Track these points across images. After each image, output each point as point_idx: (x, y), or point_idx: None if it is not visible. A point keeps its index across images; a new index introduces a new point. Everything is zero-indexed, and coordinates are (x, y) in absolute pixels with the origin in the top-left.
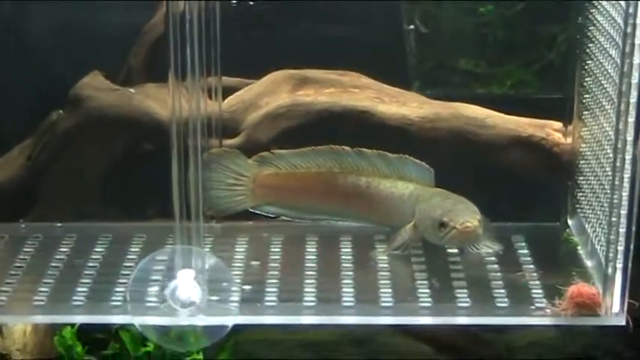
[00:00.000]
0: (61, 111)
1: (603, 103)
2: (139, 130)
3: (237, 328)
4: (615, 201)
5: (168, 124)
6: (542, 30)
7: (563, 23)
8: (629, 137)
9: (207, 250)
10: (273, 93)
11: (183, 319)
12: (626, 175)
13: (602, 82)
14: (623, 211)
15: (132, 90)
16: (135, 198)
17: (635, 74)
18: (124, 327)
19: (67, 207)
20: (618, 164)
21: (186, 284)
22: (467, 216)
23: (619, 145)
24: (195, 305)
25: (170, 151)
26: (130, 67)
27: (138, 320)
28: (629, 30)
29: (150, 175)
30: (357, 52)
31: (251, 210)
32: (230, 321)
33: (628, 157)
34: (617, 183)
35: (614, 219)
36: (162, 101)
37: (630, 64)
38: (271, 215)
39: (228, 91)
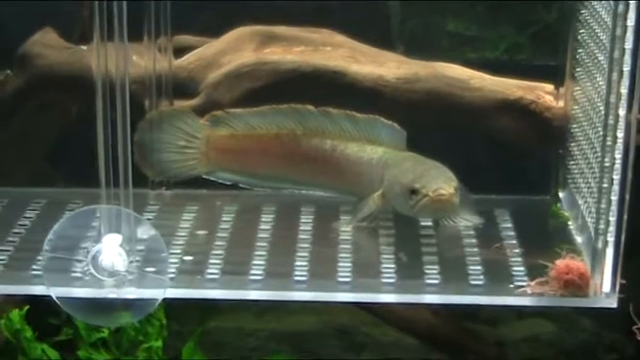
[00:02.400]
0: (8, 71)
1: (597, 56)
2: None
3: (207, 315)
4: (607, 164)
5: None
6: None
7: None
8: (624, 90)
9: (137, 214)
10: (237, 50)
11: (108, 290)
12: (620, 134)
13: (596, 30)
14: (616, 176)
15: (85, 48)
16: (84, 162)
17: (630, 15)
18: None
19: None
20: (611, 121)
21: (110, 250)
22: (441, 182)
23: (612, 100)
24: (121, 275)
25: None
26: (86, 24)
27: (55, 292)
28: None
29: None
30: (337, 13)
31: (204, 176)
32: (160, 294)
33: (622, 112)
34: (608, 144)
35: (605, 185)
36: None
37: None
38: (227, 182)
39: (189, 51)
